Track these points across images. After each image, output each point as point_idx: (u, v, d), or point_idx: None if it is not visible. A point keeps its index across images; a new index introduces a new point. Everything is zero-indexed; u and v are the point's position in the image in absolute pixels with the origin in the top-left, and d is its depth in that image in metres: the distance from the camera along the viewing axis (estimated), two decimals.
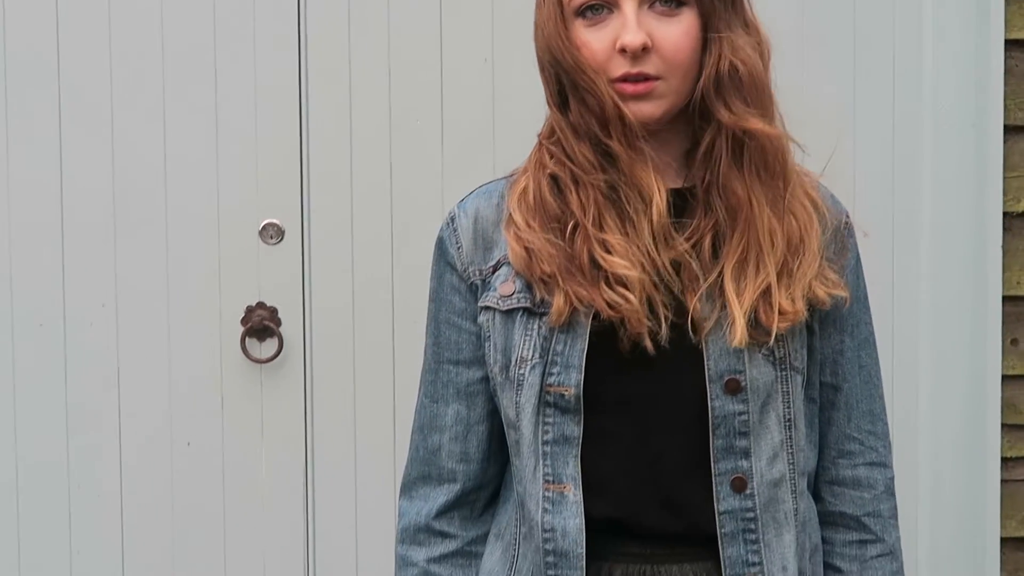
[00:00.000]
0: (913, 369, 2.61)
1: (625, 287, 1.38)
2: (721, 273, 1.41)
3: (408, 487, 1.55)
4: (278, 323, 2.52)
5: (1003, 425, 2.61)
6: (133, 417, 2.51)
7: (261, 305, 2.52)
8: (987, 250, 2.56)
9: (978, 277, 2.57)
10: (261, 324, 2.51)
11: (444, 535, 1.53)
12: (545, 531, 1.43)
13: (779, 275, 1.42)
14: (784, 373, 1.46)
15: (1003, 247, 2.57)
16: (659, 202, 1.39)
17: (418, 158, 2.51)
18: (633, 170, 1.39)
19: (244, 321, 2.52)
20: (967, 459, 2.61)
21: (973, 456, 2.61)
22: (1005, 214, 2.57)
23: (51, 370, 2.48)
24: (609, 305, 1.39)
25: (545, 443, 1.44)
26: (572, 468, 1.43)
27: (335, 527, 2.56)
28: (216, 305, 2.52)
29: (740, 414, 1.43)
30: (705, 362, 1.42)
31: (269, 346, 2.52)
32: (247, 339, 2.52)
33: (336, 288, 2.52)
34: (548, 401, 1.43)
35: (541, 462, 1.44)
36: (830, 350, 1.54)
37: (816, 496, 1.56)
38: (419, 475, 1.54)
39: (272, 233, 2.50)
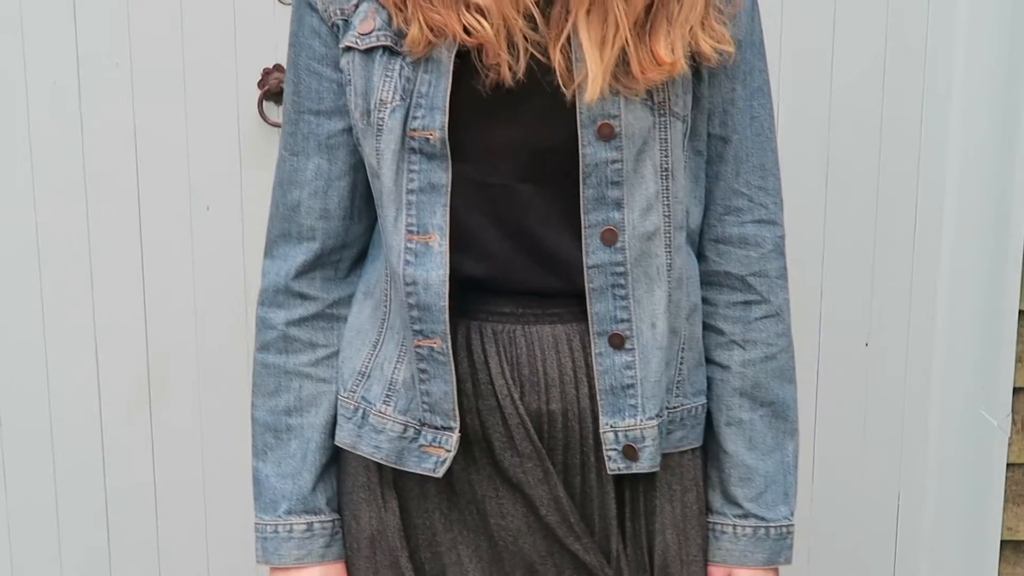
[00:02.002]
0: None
1: (482, 15, 1.31)
2: (576, 19, 1.32)
3: (269, 246, 1.49)
4: None
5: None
6: (150, 181, 2.52)
7: (278, 67, 2.50)
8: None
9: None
10: (278, 87, 2.48)
11: (304, 297, 1.48)
12: (407, 284, 1.38)
13: (654, 21, 1.32)
14: (663, 119, 1.38)
15: None
16: None
17: None
18: None
19: (261, 84, 2.51)
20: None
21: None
22: None
23: (67, 134, 2.51)
24: (465, 30, 1.32)
25: (410, 192, 1.38)
26: (440, 218, 1.36)
27: None
28: (232, 68, 2.51)
29: (613, 162, 1.36)
30: (577, 106, 1.35)
31: None
32: (264, 102, 2.50)
33: None
34: (412, 147, 1.36)
35: (404, 212, 1.38)
36: (719, 99, 1.44)
37: (700, 256, 1.50)
38: (279, 233, 1.47)
39: None
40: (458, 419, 1.39)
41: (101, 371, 2.60)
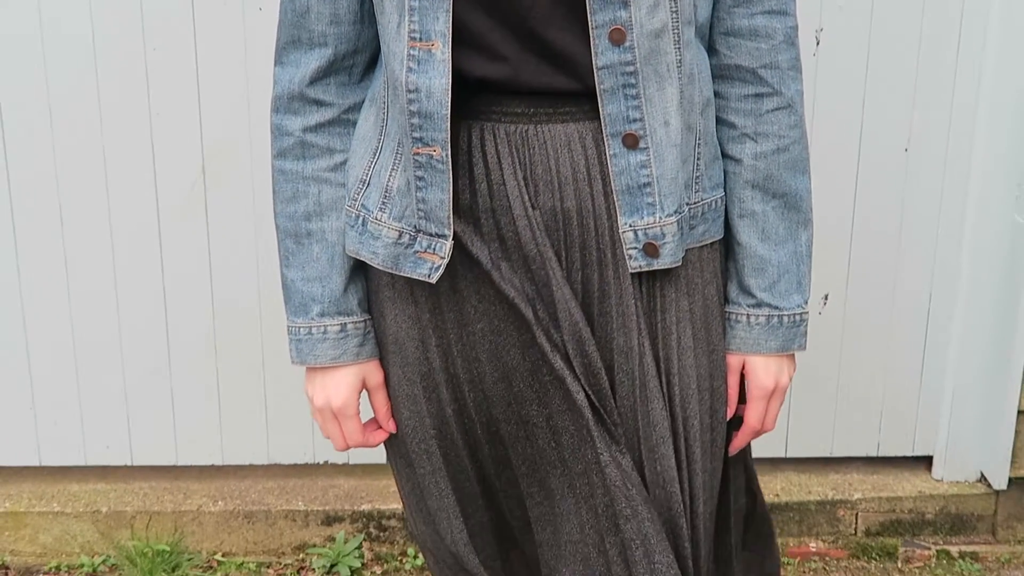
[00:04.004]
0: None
1: None
2: None
3: (279, 53, 1.46)
4: None
5: None
6: None
7: None
8: None
9: None
10: None
11: (320, 103, 1.46)
12: (409, 91, 1.36)
13: None
14: None
15: None
16: None
17: None
18: None
19: None
20: None
21: None
22: None
23: None
24: None
25: None
26: (443, 24, 1.33)
27: None
28: None
29: None
30: None
31: None
32: None
33: None
34: None
35: (407, 18, 1.34)
36: None
37: (711, 50, 1.47)
38: (289, 39, 1.45)
39: None
40: (452, 227, 1.39)
41: (157, 163, 2.69)
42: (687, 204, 1.44)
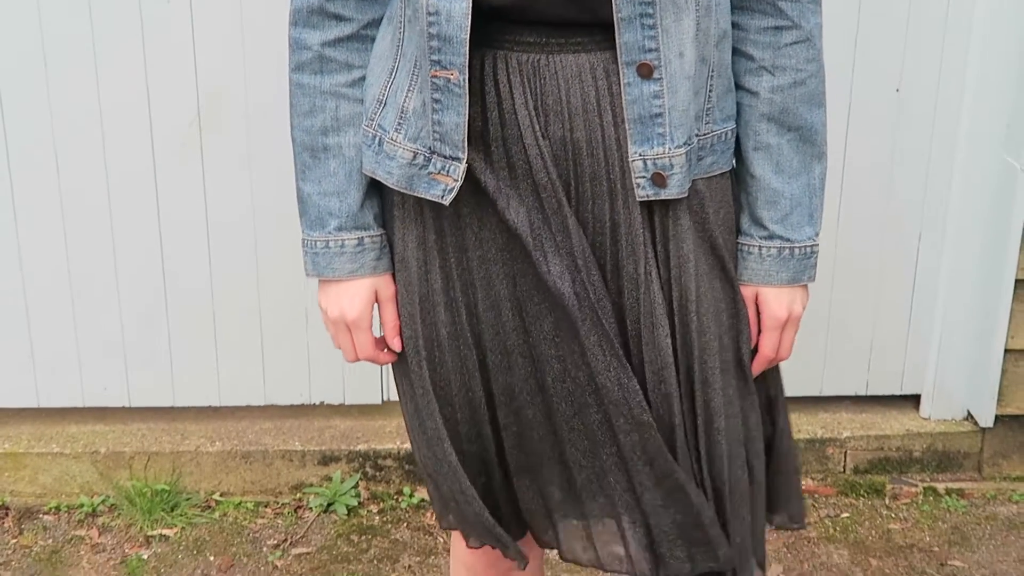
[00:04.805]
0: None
1: None
2: None
3: None
4: None
5: None
6: None
7: None
8: None
9: None
10: None
11: (339, 17, 1.46)
12: (430, 14, 1.36)
13: None
14: None
15: None
16: None
17: None
18: None
19: None
20: None
21: None
22: None
23: None
24: None
25: None
26: None
27: None
28: None
29: None
30: None
31: None
32: None
33: None
34: None
35: None
36: None
37: None
38: None
39: None
40: (466, 150, 1.40)
41: (153, 107, 2.69)
42: (697, 135, 1.45)
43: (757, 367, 1.57)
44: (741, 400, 1.56)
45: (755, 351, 1.57)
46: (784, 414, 1.66)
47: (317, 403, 2.92)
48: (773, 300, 1.54)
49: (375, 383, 2.90)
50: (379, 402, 2.92)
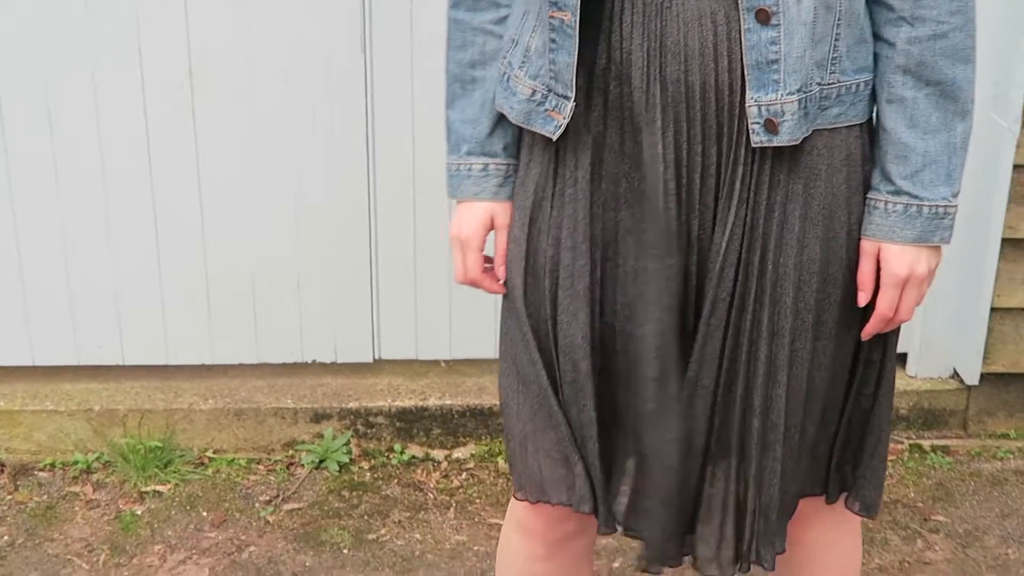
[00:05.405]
0: None
1: None
2: None
3: None
4: None
5: None
6: None
7: None
8: None
9: None
10: None
11: None
12: None
13: None
14: None
15: None
16: None
17: None
18: None
19: None
20: None
21: None
22: None
23: None
24: None
25: None
26: None
27: None
28: None
29: None
30: None
31: None
32: None
33: None
34: None
35: None
36: None
37: None
38: None
39: None
40: (574, 90, 1.47)
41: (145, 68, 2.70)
42: (819, 84, 1.45)
43: (873, 325, 1.56)
44: (811, 361, 1.55)
45: (872, 309, 1.55)
46: (885, 387, 1.64)
47: (309, 361, 2.95)
48: (894, 257, 1.51)
49: (367, 342, 2.92)
50: (370, 360, 2.95)
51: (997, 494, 2.75)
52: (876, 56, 1.49)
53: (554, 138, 1.50)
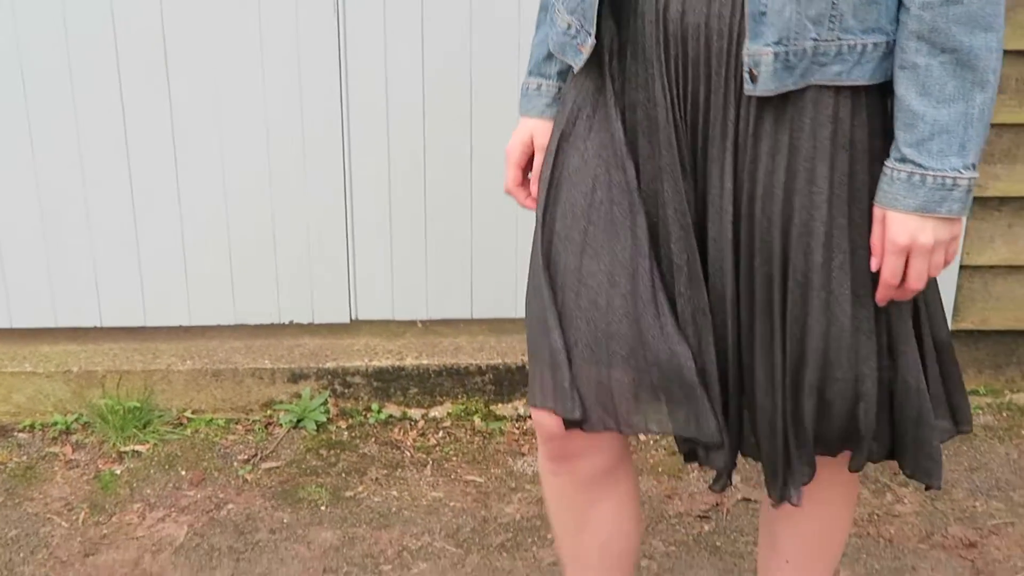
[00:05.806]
0: None
1: None
2: None
3: None
4: None
5: None
6: None
7: None
8: None
9: None
10: None
11: None
12: None
13: None
14: None
15: None
16: None
17: None
18: None
19: None
20: None
21: None
22: None
23: None
24: None
25: None
26: None
27: None
28: None
29: None
30: None
31: None
32: None
33: None
34: None
35: None
36: None
37: None
38: None
39: None
40: (595, 26, 1.56)
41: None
42: (814, 39, 1.45)
43: (881, 292, 1.54)
44: (805, 319, 1.55)
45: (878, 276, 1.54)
46: (910, 359, 1.61)
47: (286, 322, 2.97)
48: (896, 225, 1.48)
49: (343, 303, 2.94)
50: (347, 321, 2.97)
51: (966, 448, 2.80)
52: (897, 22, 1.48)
53: (576, 69, 1.61)
